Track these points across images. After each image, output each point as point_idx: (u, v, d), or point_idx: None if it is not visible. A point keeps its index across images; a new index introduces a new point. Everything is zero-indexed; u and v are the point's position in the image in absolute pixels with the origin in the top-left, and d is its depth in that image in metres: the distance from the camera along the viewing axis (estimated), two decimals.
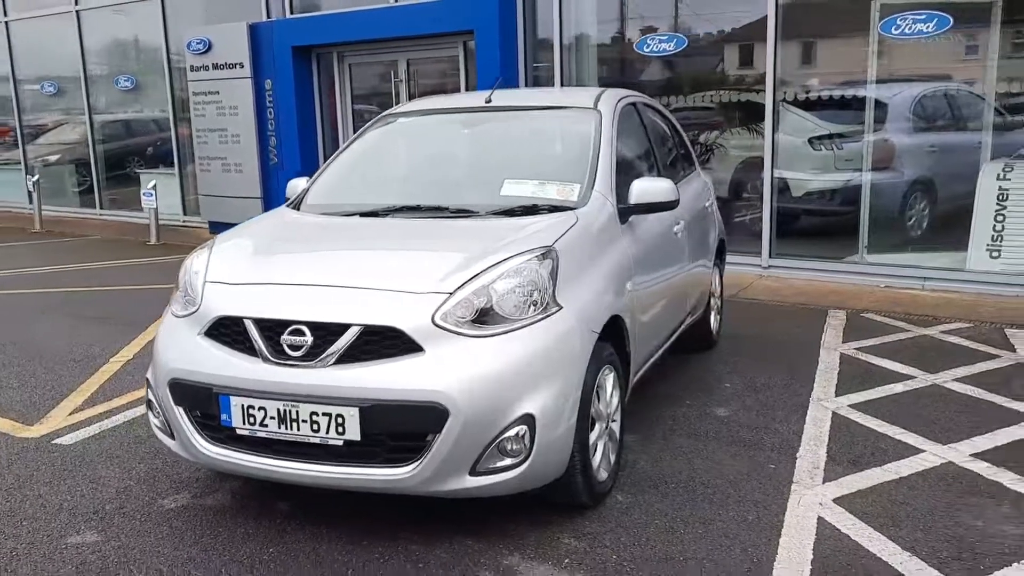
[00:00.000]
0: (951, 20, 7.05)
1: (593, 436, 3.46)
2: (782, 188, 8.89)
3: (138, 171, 13.53)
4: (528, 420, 3.09)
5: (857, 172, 8.14)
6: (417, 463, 3.06)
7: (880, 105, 8.27)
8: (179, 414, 3.39)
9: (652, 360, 4.48)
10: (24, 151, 15.24)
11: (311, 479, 3.19)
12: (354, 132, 8.61)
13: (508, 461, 3.11)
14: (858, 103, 8.17)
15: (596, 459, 3.51)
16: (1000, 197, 7.34)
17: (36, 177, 13.41)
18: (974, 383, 5.03)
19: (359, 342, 3.11)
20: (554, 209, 3.83)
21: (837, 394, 4.92)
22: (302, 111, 10.86)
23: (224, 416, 3.24)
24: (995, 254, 7.36)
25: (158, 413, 3.53)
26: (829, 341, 6.02)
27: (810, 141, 8.91)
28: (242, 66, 11.03)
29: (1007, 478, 3.75)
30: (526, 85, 9.35)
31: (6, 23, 14.80)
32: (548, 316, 3.23)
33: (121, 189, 14.09)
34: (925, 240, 8.14)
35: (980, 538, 3.26)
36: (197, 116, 11.70)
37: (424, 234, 3.81)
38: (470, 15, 9.18)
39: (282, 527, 3.46)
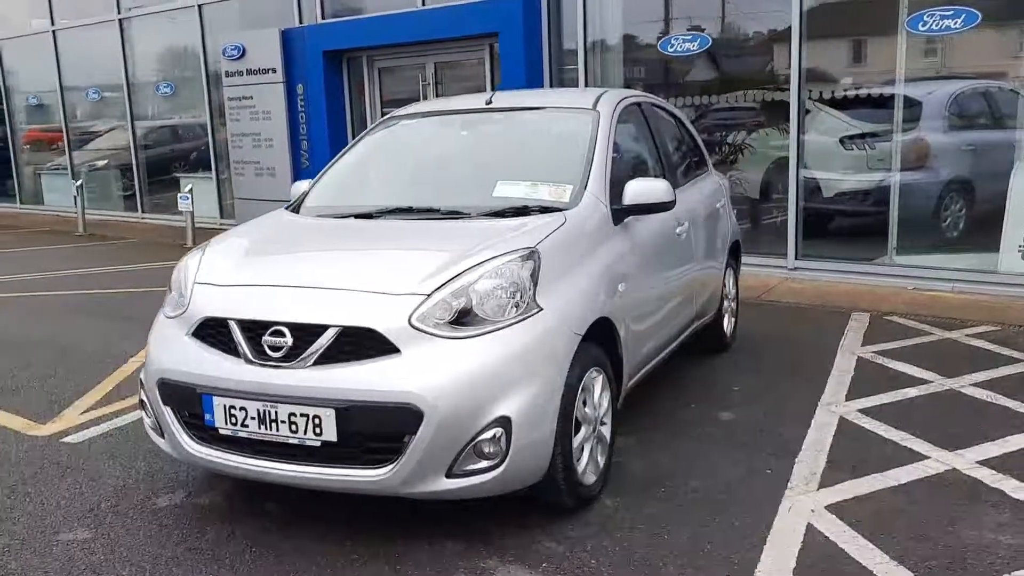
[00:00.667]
0: (979, 16, 6.86)
1: (578, 439, 3.43)
2: (813, 188, 8.75)
3: (178, 175, 13.79)
4: (504, 422, 3.07)
5: (890, 172, 7.95)
6: (394, 464, 3.07)
7: (914, 103, 8.09)
8: (167, 413, 3.44)
9: (652, 363, 4.43)
10: (71, 157, 15.62)
11: (291, 479, 3.21)
12: None
13: (484, 463, 3.10)
14: (891, 102, 7.99)
15: (582, 462, 3.47)
16: None
17: (80, 182, 13.75)
18: (992, 388, 4.89)
19: (337, 343, 3.12)
20: (545, 210, 3.80)
21: (848, 398, 4.82)
22: (333, 115, 10.97)
23: (208, 416, 3.28)
24: None
25: (150, 413, 3.59)
26: (848, 344, 5.90)
27: (842, 141, 8.76)
28: (275, 71, 11.19)
29: (1010, 486, 3.63)
30: (551, 86, 9.33)
31: (54, 32, 15.19)
32: (528, 318, 3.21)
33: (163, 193, 14.38)
34: (956, 241, 7.94)
35: (973, 548, 3.16)
36: (232, 121, 11.90)
37: (411, 236, 3.81)
38: (494, 17, 9.19)
39: (268, 528, 3.49)
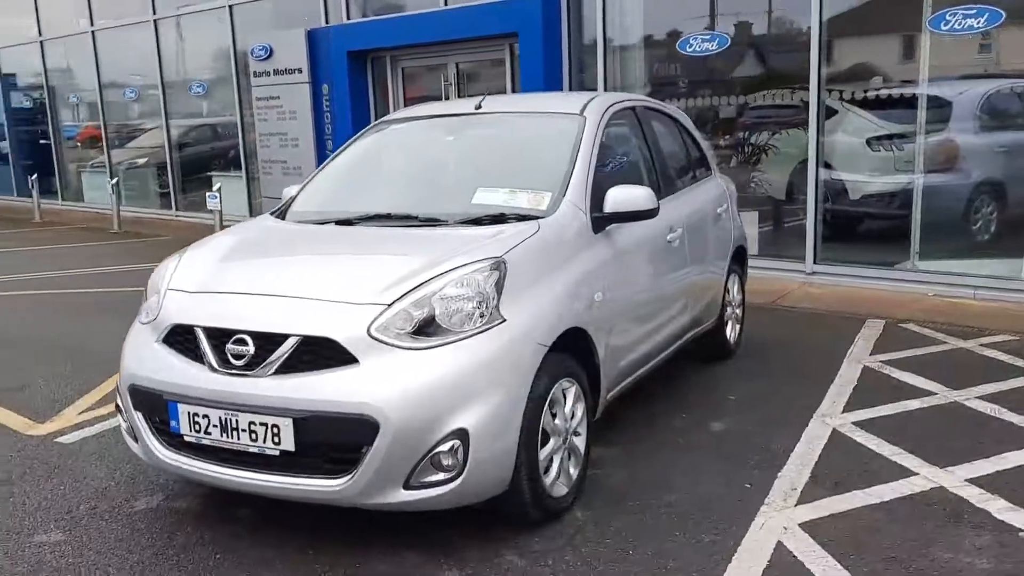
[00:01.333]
0: (1003, 15, 6.65)
1: (545, 451, 3.39)
2: (837, 190, 8.58)
3: (211, 174, 13.98)
4: (461, 434, 3.04)
5: (919, 174, 7.75)
6: (351, 475, 3.05)
7: (944, 104, 7.88)
8: (139, 419, 3.47)
9: (639, 373, 4.36)
10: (109, 155, 15.93)
11: (252, 487, 3.22)
12: None
13: (442, 475, 3.07)
14: (918, 102, 7.78)
15: (550, 474, 3.43)
16: None
17: (115, 180, 14.01)
18: (999, 401, 4.74)
19: (298, 352, 3.12)
20: (523, 218, 3.76)
21: (845, 410, 4.70)
22: (357, 115, 11.02)
23: (173, 423, 3.30)
24: None
25: (125, 418, 3.62)
26: (856, 353, 5.76)
27: (868, 142, 8.57)
28: (301, 71, 11.29)
29: (996, 506, 3.51)
30: (570, 87, 9.27)
31: (93, 32, 15.49)
32: (490, 328, 3.18)
33: (198, 191, 14.59)
34: (983, 247, 7.70)
35: (945, 572, 3.05)
36: (260, 121, 12.03)
37: (383, 243, 3.79)
38: (513, 17, 9.15)
39: (237, 534, 3.50)
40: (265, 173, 12.09)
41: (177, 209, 14.75)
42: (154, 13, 14.09)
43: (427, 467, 3.06)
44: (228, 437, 3.17)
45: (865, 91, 7.91)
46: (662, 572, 3.12)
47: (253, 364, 3.16)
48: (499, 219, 3.77)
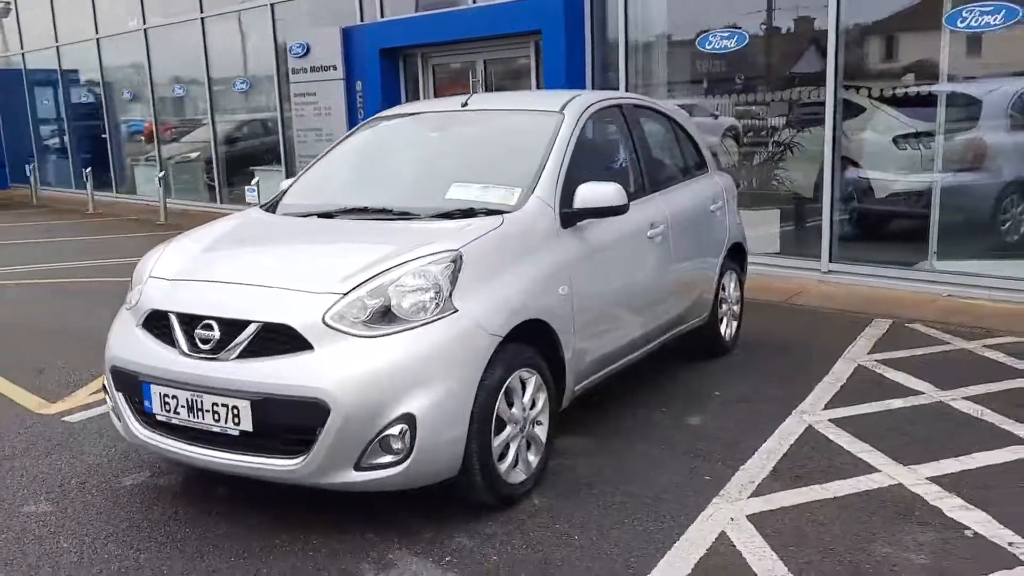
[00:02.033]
0: (1020, 11, 6.54)
1: (500, 438, 3.50)
2: (863, 188, 8.52)
3: (253, 168, 14.33)
4: (408, 419, 3.17)
5: (946, 173, 7.64)
6: (305, 456, 3.21)
7: (973, 102, 7.77)
8: (120, 399, 3.68)
9: (614, 367, 4.44)
10: (159, 149, 16.43)
11: (216, 465, 3.40)
12: None
13: (389, 458, 3.21)
14: (942, 100, 7.67)
15: (505, 461, 3.55)
16: None
17: (161, 173, 14.47)
18: (985, 403, 4.70)
19: (259, 338, 3.29)
20: (491, 212, 3.88)
21: (826, 407, 4.72)
22: None
23: (147, 403, 3.50)
24: None
25: (110, 398, 3.83)
26: (854, 352, 5.75)
27: (895, 140, 8.47)
28: (335, 68, 11.54)
29: (950, 504, 3.53)
30: (593, 84, 9.33)
31: (145, 30, 15.99)
32: (441, 318, 3.30)
33: (242, 185, 14.95)
34: (1004, 248, 7.57)
35: (878, 566, 3.09)
36: (298, 116, 12.32)
37: (353, 235, 3.95)
38: (536, 15, 9.26)
39: (210, 510, 3.69)
40: (303, 167, 12.35)
41: (221, 202, 15.16)
42: (201, 11, 14.49)
43: (376, 450, 3.20)
44: (194, 417, 3.36)
45: (894, 88, 7.81)
46: (600, 556, 3.22)
47: (218, 348, 3.33)
48: (468, 213, 3.89)
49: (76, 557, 3.33)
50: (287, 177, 13.12)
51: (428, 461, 3.26)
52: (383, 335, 3.24)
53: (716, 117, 9.43)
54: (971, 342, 5.91)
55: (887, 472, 3.86)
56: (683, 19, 9.08)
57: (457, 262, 3.42)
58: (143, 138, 17.70)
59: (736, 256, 5.85)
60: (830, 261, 7.90)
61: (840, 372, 5.32)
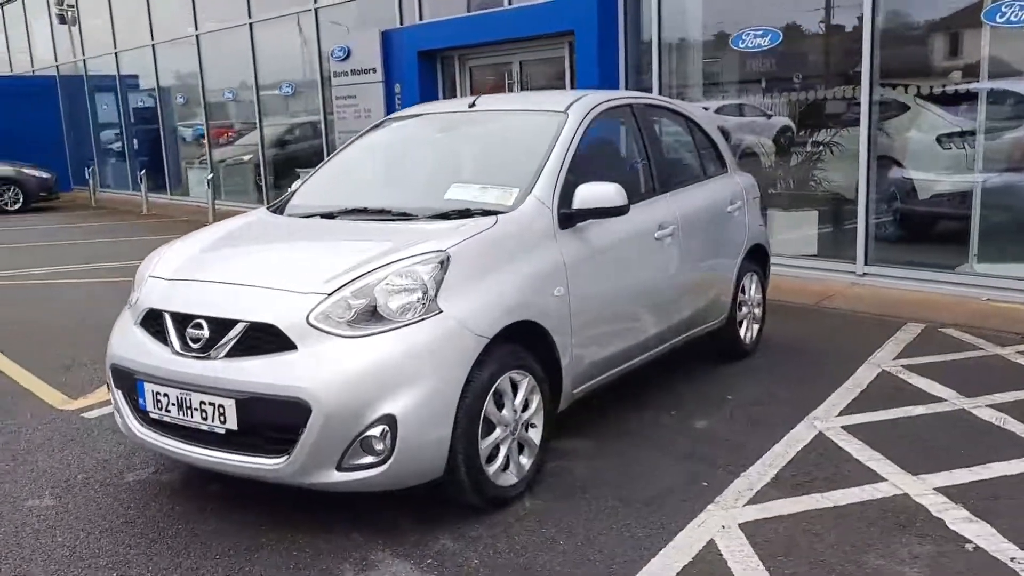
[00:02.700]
0: None
1: (489, 440, 3.47)
2: (906, 189, 8.31)
3: (298, 170, 14.53)
4: (389, 420, 3.16)
5: (990, 173, 7.39)
6: (288, 456, 3.22)
7: (1019, 99, 7.50)
8: (119, 396, 3.74)
9: (616, 371, 4.36)
10: (210, 152, 16.76)
11: (204, 463, 3.44)
12: None
13: (371, 459, 3.20)
14: (982, 97, 7.43)
15: (495, 463, 3.51)
16: None
17: (210, 175, 14.75)
18: (1009, 411, 4.53)
19: (246, 338, 3.31)
20: (488, 213, 3.85)
21: (840, 413, 4.59)
22: None
23: (141, 400, 3.56)
24: None
25: (112, 395, 3.90)
26: (880, 356, 5.58)
27: (939, 139, 8.24)
28: (375, 71, 11.63)
29: (953, 516, 3.39)
30: (627, 85, 9.25)
31: (197, 36, 16.33)
32: (425, 319, 3.29)
33: (287, 187, 15.19)
34: None
35: None
36: (339, 119, 12.46)
37: (349, 236, 3.95)
38: (569, 15, 9.21)
39: (204, 507, 3.73)
40: None
41: (267, 203, 15.36)
42: (249, 16, 14.74)
43: (357, 450, 3.19)
44: (183, 415, 3.40)
45: (932, 87, 7.59)
46: (583, 563, 3.17)
47: (208, 347, 3.37)
48: (465, 214, 3.87)
49: (68, 552, 3.39)
50: None
51: (411, 462, 3.24)
52: (366, 335, 3.24)
53: (769, 117, 9.29)
54: (1005, 347, 5.70)
55: (893, 481, 3.73)
56: (717, 18, 8.94)
57: (444, 263, 3.40)
58: (202, 141, 18.11)
59: (757, 258, 5.72)
60: (865, 264, 7.70)
61: (862, 377, 5.17)
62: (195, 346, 3.40)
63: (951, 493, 3.60)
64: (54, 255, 11.59)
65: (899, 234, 8.13)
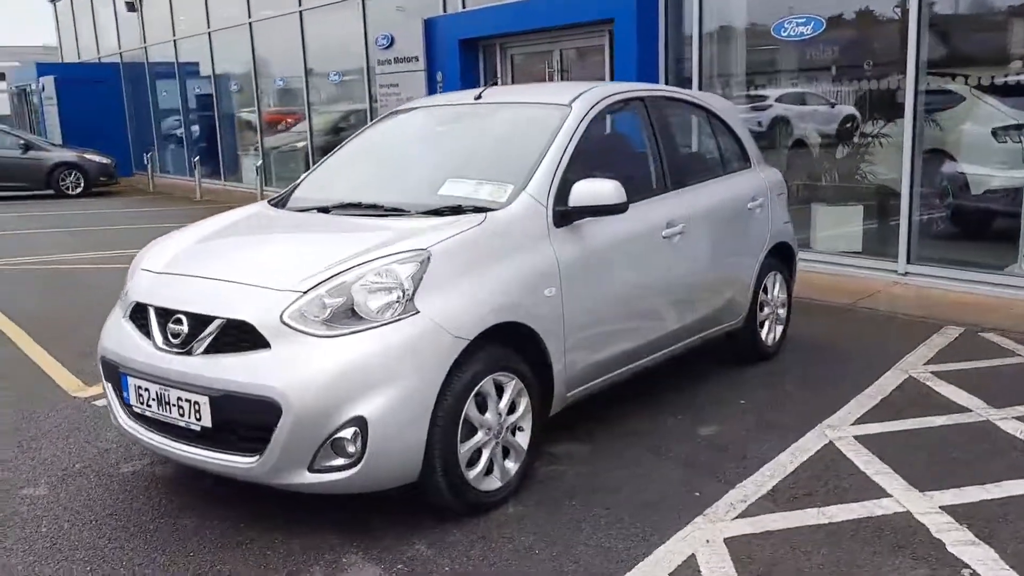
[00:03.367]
0: None
1: (469, 444, 3.38)
2: (960, 184, 7.96)
3: None
4: (360, 422, 3.10)
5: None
6: (261, 454, 3.18)
7: None
8: (109, 388, 3.76)
9: (616, 373, 4.23)
10: (261, 139, 16.95)
11: (183, 459, 3.42)
12: None
13: (342, 461, 3.15)
14: None
15: (476, 467, 3.43)
16: None
17: (259, 162, 14.92)
18: None
19: (223, 334, 3.28)
20: (480, 210, 3.75)
21: (855, 422, 4.40)
22: None
23: (125, 394, 3.56)
24: None
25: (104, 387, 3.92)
26: (909, 361, 5.34)
27: (994, 132, 7.87)
28: (417, 59, 11.58)
29: (955, 538, 3.20)
30: (666, 73, 9.04)
31: (250, 24, 16.51)
32: (401, 320, 3.21)
33: None
34: None
35: None
36: (382, 108, 12.43)
37: (336, 231, 3.89)
38: (610, 3, 9.02)
39: (189, 503, 3.71)
40: None
41: None
42: (299, 4, 14.83)
43: (328, 452, 3.14)
44: (163, 410, 3.38)
45: (1006, 76, 7.22)
46: (557, 573, 3.07)
47: (187, 343, 3.34)
48: (457, 210, 3.78)
49: (50, 543, 3.40)
50: None
51: (384, 465, 3.18)
52: (340, 335, 3.18)
53: (833, 106, 8.99)
54: None
55: (897, 498, 3.54)
56: (759, 5, 8.65)
57: (424, 262, 3.32)
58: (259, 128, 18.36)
59: (781, 256, 5.51)
60: (908, 262, 7.40)
61: (885, 384, 4.95)
62: (175, 341, 3.38)
63: (957, 512, 3.40)
64: (103, 239, 11.86)
65: (945, 231, 7.80)
